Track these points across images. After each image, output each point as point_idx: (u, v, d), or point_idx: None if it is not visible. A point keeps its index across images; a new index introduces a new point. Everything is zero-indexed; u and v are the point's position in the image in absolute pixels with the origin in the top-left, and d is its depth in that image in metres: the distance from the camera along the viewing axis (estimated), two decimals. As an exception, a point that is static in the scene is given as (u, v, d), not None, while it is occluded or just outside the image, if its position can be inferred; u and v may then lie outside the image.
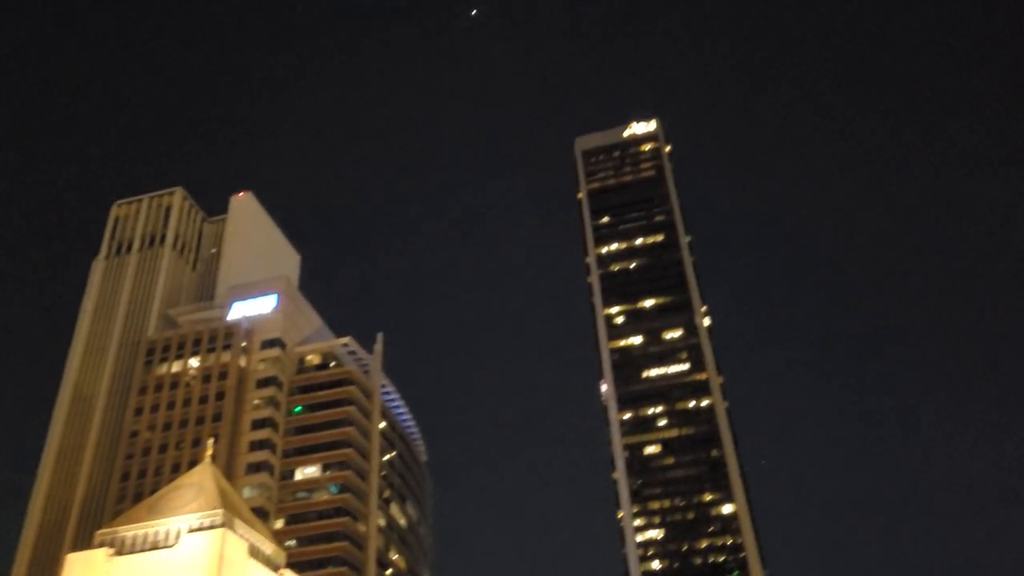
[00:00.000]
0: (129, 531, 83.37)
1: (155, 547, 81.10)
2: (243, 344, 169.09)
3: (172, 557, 79.36)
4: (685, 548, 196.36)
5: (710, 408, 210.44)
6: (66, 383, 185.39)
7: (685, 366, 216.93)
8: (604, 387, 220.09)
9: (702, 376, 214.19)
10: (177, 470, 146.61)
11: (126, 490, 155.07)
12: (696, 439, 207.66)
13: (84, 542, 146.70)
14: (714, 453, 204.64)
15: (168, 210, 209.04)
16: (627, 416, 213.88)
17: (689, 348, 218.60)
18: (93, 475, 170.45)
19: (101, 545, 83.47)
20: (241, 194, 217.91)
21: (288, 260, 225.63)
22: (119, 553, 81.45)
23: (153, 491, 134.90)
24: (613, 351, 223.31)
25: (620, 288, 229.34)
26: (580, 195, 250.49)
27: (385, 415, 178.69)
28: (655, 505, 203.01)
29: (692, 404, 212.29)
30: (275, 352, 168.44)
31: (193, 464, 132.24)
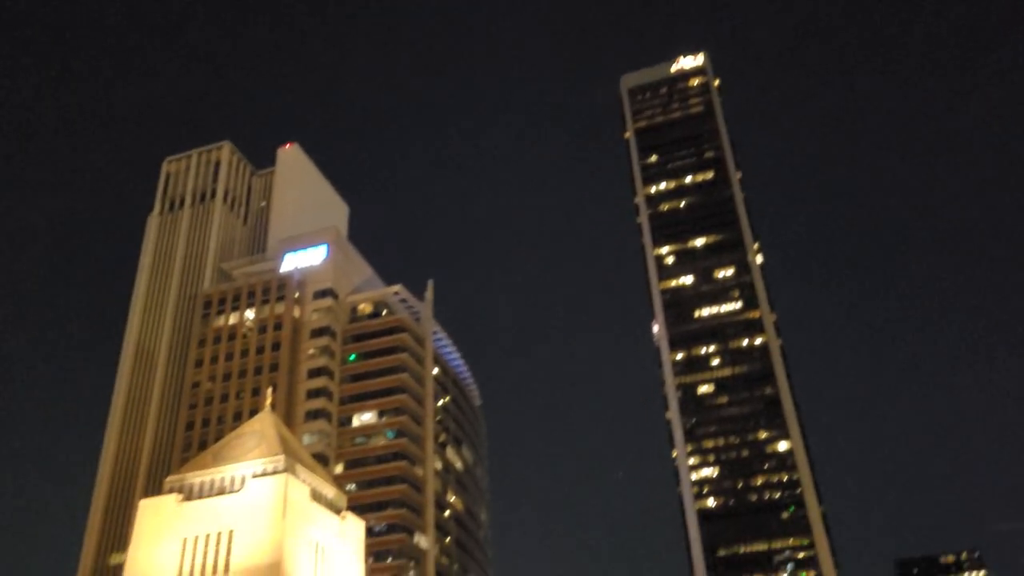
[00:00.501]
0: (196, 478, 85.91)
1: (221, 492, 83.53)
2: (296, 295, 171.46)
3: (238, 502, 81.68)
4: (740, 485, 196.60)
5: (764, 346, 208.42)
6: (129, 338, 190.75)
7: (737, 304, 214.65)
8: (656, 328, 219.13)
9: (755, 314, 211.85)
10: (238, 419, 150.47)
11: (191, 439, 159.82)
12: (750, 377, 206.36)
13: (154, 489, 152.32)
14: (768, 391, 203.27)
15: (217, 165, 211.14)
16: (679, 356, 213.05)
17: (741, 286, 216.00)
18: (159, 425, 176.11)
19: (171, 491, 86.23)
20: (287, 146, 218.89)
21: (336, 210, 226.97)
22: (188, 498, 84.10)
23: (216, 439, 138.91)
24: (664, 292, 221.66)
25: (670, 228, 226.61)
26: (627, 134, 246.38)
27: (438, 361, 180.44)
28: (709, 444, 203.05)
29: (745, 343, 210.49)
30: (327, 302, 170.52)
31: (253, 413, 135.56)
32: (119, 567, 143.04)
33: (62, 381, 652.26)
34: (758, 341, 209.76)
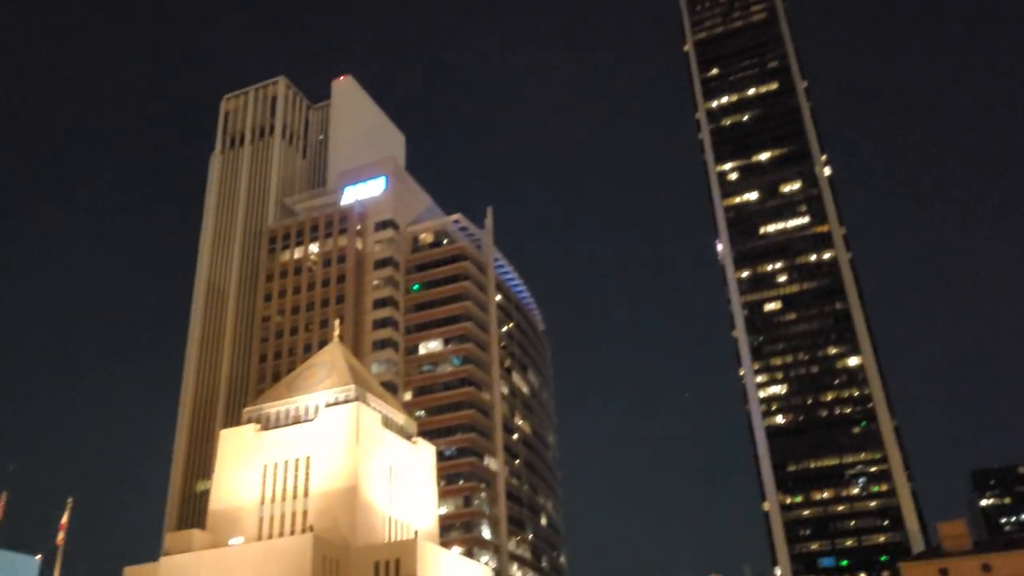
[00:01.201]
0: (272, 408, 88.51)
1: (297, 421, 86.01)
2: (357, 227, 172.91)
3: (313, 430, 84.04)
4: (809, 402, 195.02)
5: (833, 261, 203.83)
6: (200, 275, 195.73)
7: (805, 219, 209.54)
8: (720, 246, 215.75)
9: (823, 228, 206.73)
10: (308, 351, 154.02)
11: (264, 371, 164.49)
12: (818, 293, 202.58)
13: (233, 419, 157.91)
14: (838, 306, 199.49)
15: (274, 100, 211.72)
16: (745, 274, 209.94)
17: (809, 200, 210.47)
18: (233, 358, 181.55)
19: (249, 421, 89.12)
20: (341, 78, 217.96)
21: (393, 141, 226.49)
22: (265, 428, 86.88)
23: (288, 371, 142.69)
24: (728, 209, 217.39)
25: (733, 142, 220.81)
26: (687, 47, 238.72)
27: (500, 288, 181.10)
28: (777, 361, 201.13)
29: (813, 258, 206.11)
30: (389, 233, 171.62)
31: (323, 344, 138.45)
32: (205, 493, 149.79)
33: (140, 319, 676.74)
34: (827, 256, 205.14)
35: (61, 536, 66.46)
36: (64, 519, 67.27)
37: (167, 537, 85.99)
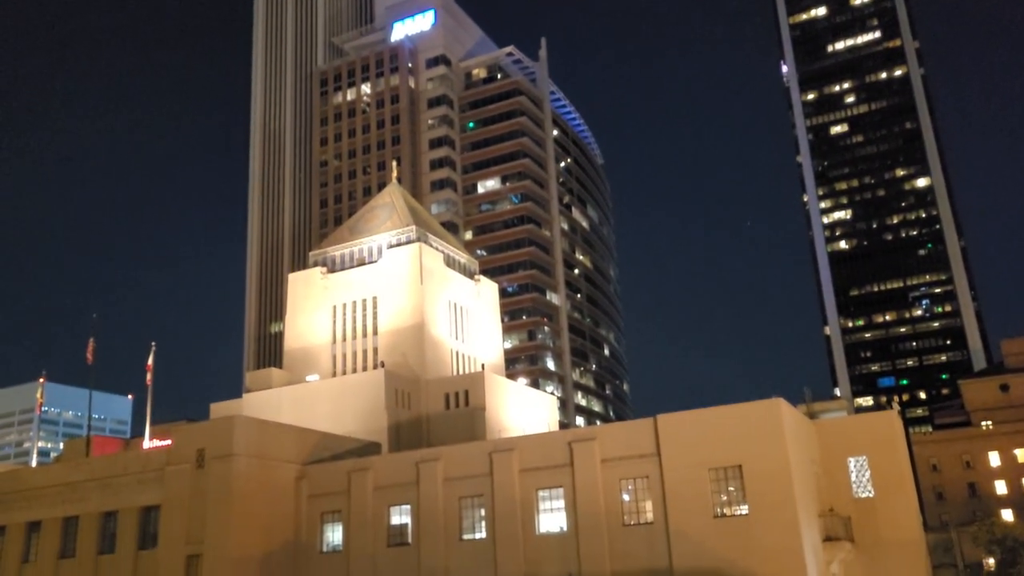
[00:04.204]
0: (336, 251, 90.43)
1: (361, 263, 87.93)
2: (409, 65, 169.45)
3: (377, 271, 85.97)
4: (875, 225, 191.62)
5: (904, 78, 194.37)
6: (255, 122, 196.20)
7: (876, 34, 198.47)
8: (785, 67, 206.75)
9: (895, 43, 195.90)
10: (368, 194, 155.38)
11: (326, 215, 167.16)
12: (888, 113, 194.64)
13: (299, 263, 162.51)
14: (908, 126, 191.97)
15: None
16: (811, 96, 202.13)
17: (880, 12, 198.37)
18: (295, 204, 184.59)
19: (314, 265, 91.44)
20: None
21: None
22: (331, 270, 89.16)
23: (349, 214, 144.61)
24: (794, 26, 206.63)
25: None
26: None
27: (557, 122, 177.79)
28: (842, 186, 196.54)
29: (884, 75, 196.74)
30: (441, 70, 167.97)
31: (381, 187, 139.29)
32: (279, 334, 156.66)
33: (200, 170, 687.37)
34: (898, 73, 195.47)
35: (149, 377, 70.57)
36: (150, 362, 71.16)
37: (248, 376, 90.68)
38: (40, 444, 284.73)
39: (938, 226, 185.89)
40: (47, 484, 62.08)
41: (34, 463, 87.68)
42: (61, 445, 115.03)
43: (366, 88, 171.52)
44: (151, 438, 68.16)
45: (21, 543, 61.87)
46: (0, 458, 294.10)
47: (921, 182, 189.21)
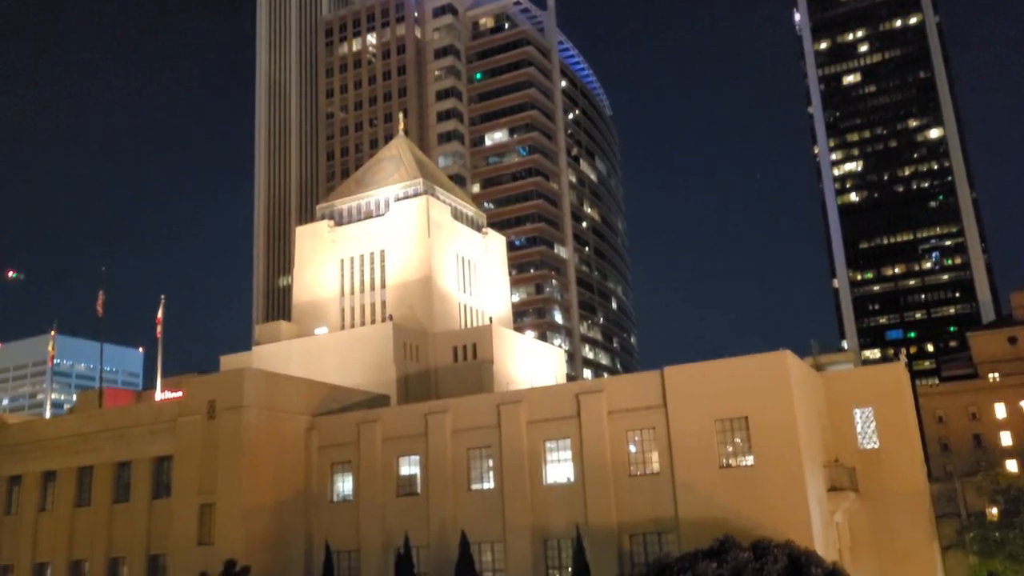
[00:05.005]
0: (344, 204, 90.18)
1: (369, 216, 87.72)
2: (415, 14, 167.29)
3: (385, 224, 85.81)
4: (886, 177, 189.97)
5: (919, 26, 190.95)
6: (260, 73, 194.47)
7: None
8: (797, 16, 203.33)
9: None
10: (374, 146, 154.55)
11: (333, 168, 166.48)
12: (902, 62, 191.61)
13: (306, 216, 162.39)
14: (923, 75, 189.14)
15: None
16: (823, 45, 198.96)
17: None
18: (301, 157, 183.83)
19: (322, 218, 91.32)
20: None
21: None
22: (339, 223, 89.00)
23: (356, 167, 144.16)
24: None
25: None
26: None
27: (565, 73, 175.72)
28: (854, 137, 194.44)
29: (898, 23, 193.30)
30: (447, 19, 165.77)
31: (388, 139, 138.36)
32: (288, 287, 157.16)
33: (206, 123, 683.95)
34: (913, 21, 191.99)
35: (159, 330, 71.01)
36: (159, 314, 71.58)
37: (257, 329, 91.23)
38: (53, 396, 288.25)
39: (950, 178, 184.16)
40: (62, 435, 62.98)
41: (48, 415, 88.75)
42: (74, 397, 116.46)
43: (372, 38, 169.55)
44: (162, 390, 68.89)
45: (38, 492, 63.02)
46: (14, 409, 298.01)
47: (934, 133, 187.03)
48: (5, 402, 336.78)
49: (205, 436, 54.84)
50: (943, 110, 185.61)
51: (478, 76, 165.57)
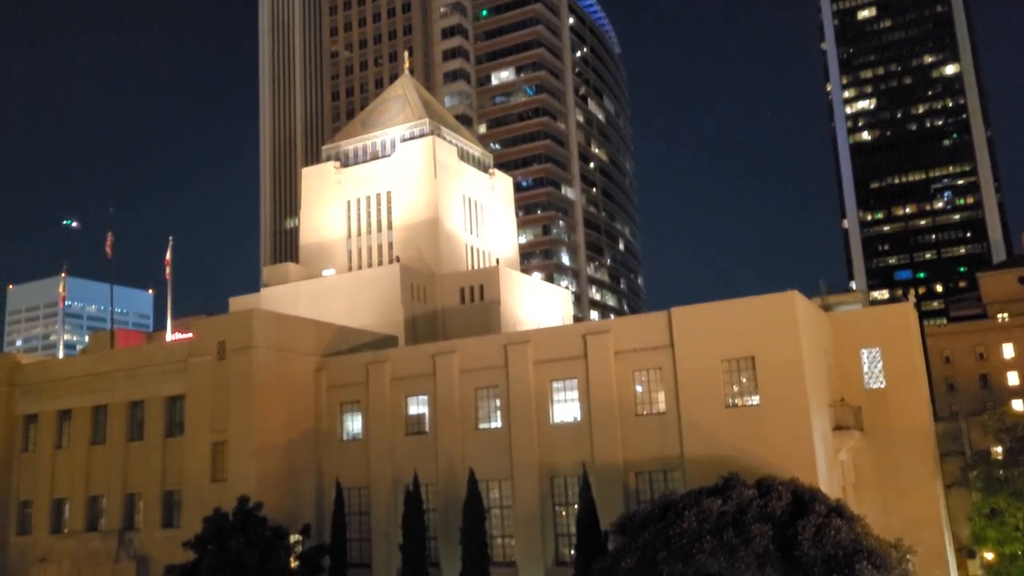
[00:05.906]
0: (349, 144, 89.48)
1: (375, 157, 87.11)
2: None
3: (391, 165, 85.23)
4: (899, 115, 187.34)
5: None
6: (263, 11, 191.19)
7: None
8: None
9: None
10: (380, 86, 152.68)
11: (338, 109, 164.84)
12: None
13: (312, 158, 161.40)
14: (939, 9, 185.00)
15: None
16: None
17: None
18: (306, 97, 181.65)
19: (328, 159, 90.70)
20: None
21: None
22: (345, 165, 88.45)
23: (362, 107, 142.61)
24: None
25: None
26: None
27: (573, 9, 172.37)
28: (867, 74, 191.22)
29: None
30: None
31: (393, 79, 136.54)
32: (295, 229, 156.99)
33: (210, 63, 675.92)
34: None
35: (168, 271, 71.21)
36: (168, 256, 71.68)
37: (265, 270, 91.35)
38: (65, 337, 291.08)
39: (964, 115, 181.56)
40: (75, 375, 63.73)
41: (61, 355, 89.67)
42: (86, 338, 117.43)
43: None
44: (173, 331, 69.35)
45: (54, 430, 64.04)
46: (28, 350, 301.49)
47: (949, 69, 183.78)
48: (19, 343, 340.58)
49: (216, 376, 55.37)
50: (960, 45, 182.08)
51: (484, 13, 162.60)
